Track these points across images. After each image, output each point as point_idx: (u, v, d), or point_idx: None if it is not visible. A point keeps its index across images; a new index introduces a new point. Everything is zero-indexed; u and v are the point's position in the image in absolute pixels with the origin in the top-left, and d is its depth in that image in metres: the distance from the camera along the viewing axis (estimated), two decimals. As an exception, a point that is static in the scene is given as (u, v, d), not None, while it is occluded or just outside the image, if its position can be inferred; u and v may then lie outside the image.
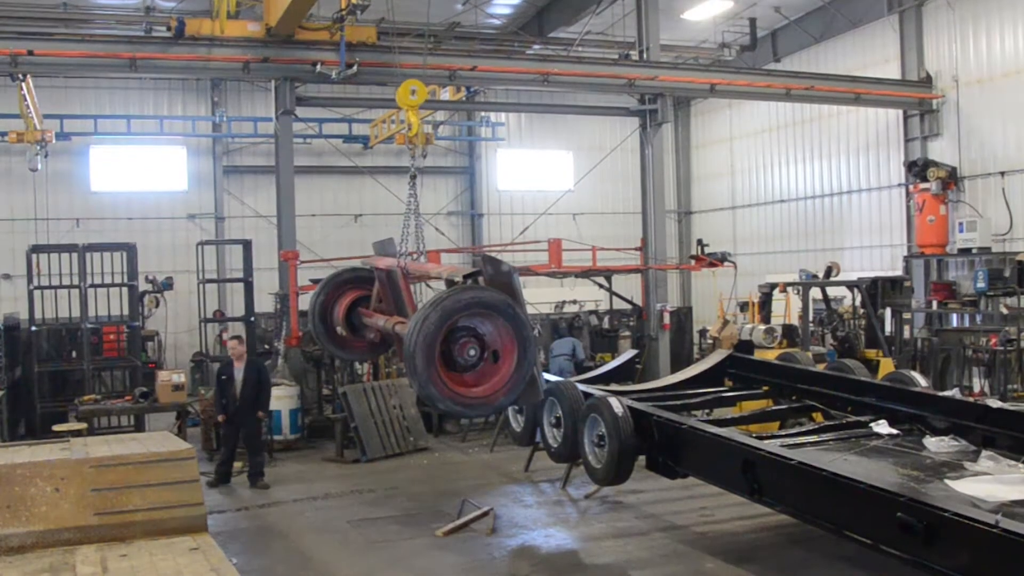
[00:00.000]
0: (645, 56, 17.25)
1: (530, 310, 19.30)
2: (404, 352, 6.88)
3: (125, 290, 16.09)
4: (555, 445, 10.41)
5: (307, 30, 14.45)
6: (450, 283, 7.37)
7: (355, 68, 14.39)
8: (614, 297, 18.25)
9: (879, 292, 15.25)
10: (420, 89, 9.37)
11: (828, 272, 16.90)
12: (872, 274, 16.88)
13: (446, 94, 18.98)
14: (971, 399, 11.16)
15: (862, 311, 15.51)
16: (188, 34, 13.98)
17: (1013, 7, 17.36)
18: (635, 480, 9.72)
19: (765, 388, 11.55)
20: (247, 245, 16.97)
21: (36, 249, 16.01)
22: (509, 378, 6.96)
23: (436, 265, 8.59)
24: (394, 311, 8.55)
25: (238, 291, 18.65)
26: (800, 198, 22.97)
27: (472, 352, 6.91)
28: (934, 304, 16.76)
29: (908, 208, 19.45)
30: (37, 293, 15.39)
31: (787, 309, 18.01)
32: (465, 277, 7.26)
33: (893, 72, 19.53)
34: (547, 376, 11.98)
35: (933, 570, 5.92)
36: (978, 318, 16.27)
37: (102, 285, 15.62)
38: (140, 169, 22.43)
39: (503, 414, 12.41)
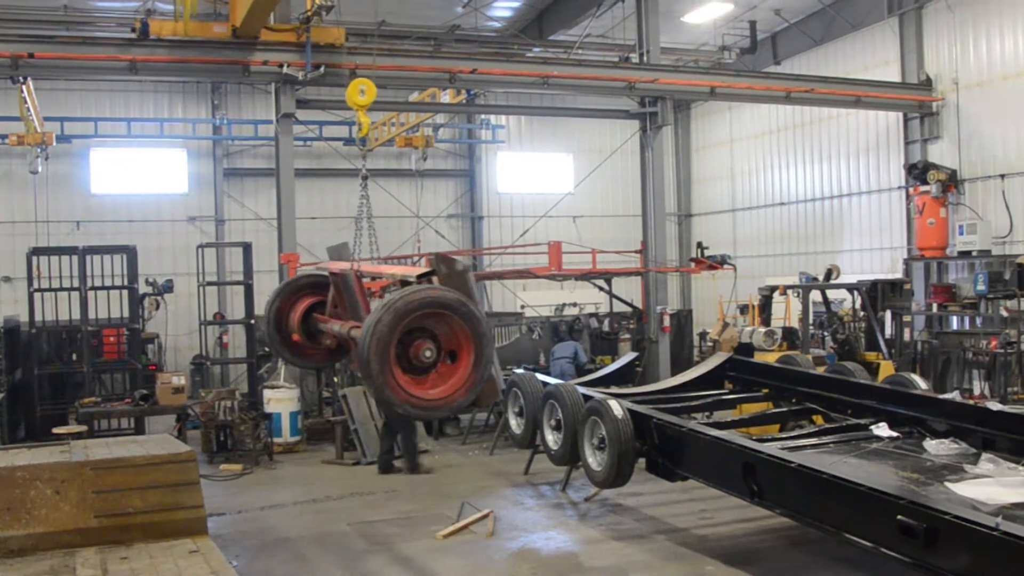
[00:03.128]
0: (645, 59, 17.26)
1: (530, 313, 19.51)
2: (359, 357, 6.75)
3: (125, 292, 16.08)
4: (555, 448, 10.42)
5: (273, 31, 14.37)
6: (404, 284, 7.25)
7: (322, 69, 14.33)
8: (614, 300, 18.26)
9: (879, 295, 15.25)
10: (369, 88, 9.31)
11: (828, 275, 16.91)
12: (872, 277, 16.87)
13: (446, 97, 18.97)
14: (971, 402, 11.16)
15: (862, 314, 15.51)
16: (152, 35, 13.85)
17: (1013, 10, 17.36)
18: (635, 483, 9.72)
19: (765, 391, 11.56)
20: (247, 248, 16.95)
21: (36, 252, 16.00)
22: (467, 378, 6.82)
23: (390, 267, 8.44)
24: (350, 316, 8.38)
25: (238, 294, 18.64)
26: (800, 201, 22.97)
27: (428, 353, 6.78)
28: (934, 307, 16.77)
29: (908, 211, 19.44)
30: (37, 295, 15.39)
31: (787, 312, 18.01)
32: (419, 277, 7.14)
33: (893, 75, 19.54)
34: (548, 379, 12.00)
35: (933, 573, 5.92)
36: (978, 321, 16.28)
37: (102, 288, 15.62)
38: (140, 172, 22.40)
39: (503, 416, 12.41)
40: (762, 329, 15.01)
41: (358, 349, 6.76)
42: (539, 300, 22.01)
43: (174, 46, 14.09)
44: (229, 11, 14.12)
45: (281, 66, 14.42)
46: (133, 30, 14.16)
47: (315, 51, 14.36)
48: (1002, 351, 14.21)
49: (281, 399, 14.28)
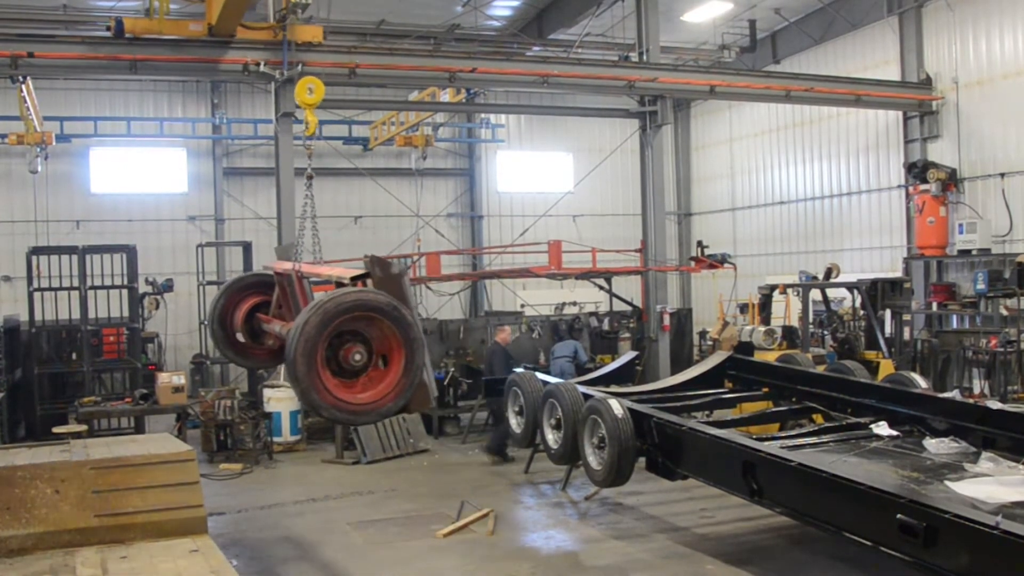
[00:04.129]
0: (645, 58, 17.25)
1: (530, 312, 19.51)
2: (285, 358, 6.63)
3: (125, 292, 16.10)
4: (555, 447, 10.42)
5: (250, 29, 14.29)
6: (339, 285, 7.15)
7: (299, 68, 14.26)
8: (614, 299, 18.26)
9: (879, 294, 15.24)
10: (318, 87, 9.23)
11: (828, 274, 16.91)
12: (872, 276, 16.87)
13: (446, 96, 18.97)
14: (971, 401, 11.16)
15: (862, 313, 15.50)
16: (127, 33, 13.71)
17: (1013, 9, 17.35)
18: (635, 482, 9.72)
19: (765, 390, 11.56)
20: (247, 247, 16.97)
21: (36, 251, 16.03)
22: (397, 383, 6.71)
23: (328, 268, 8.34)
24: (293, 317, 8.24)
25: (238, 293, 18.62)
26: (800, 200, 22.97)
27: (358, 357, 6.66)
28: (934, 306, 16.77)
29: (908, 210, 19.44)
30: (37, 295, 15.41)
31: (787, 311, 18.01)
32: (352, 279, 7.03)
33: (893, 74, 19.54)
34: (548, 378, 12.00)
35: (933, 571, 5.92)
36: (978, 320, 16.28)
37: (102, 287, 15.63)
38: (140, 171, 22.40)
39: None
40: (762, 328, 15.01)
41: (285, 350, 6.63)
42: (539, 299, 22.01)
43: (147, 44, 13.92)
44: (206, 9, 14.00)
45: (258, 64, 14.28)
46: (108, 28, 14.02)
47: (294, 50, 14.23)
48: (1002, 350, 14.21)
49: (281, 398, 14.27)
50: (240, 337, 8.99)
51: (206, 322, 9.63)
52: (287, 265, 8.31)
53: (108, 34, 13.84)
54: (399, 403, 6.82)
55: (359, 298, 6.59)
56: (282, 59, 14.17)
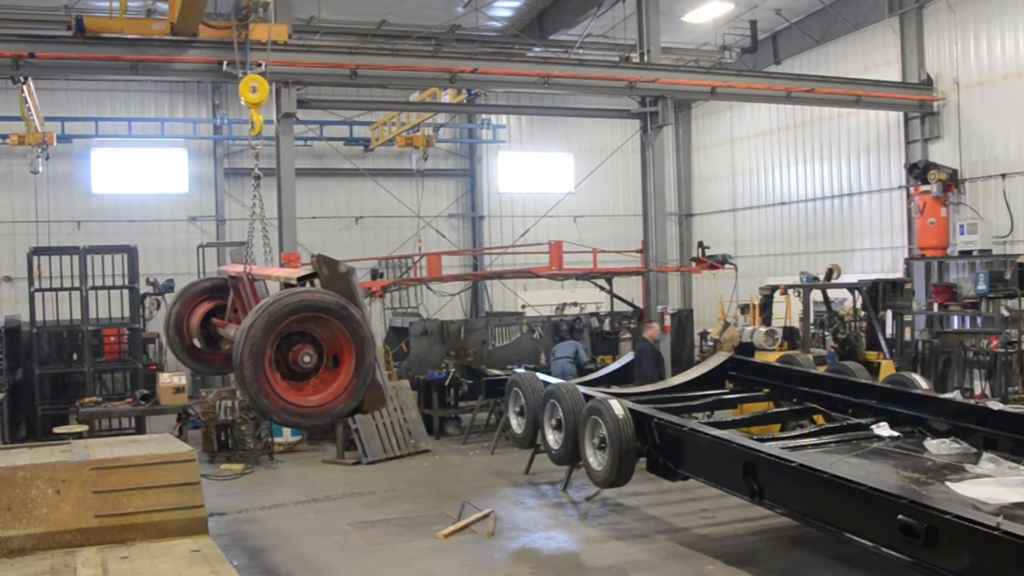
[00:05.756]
0: (646, 59, 17.25)
1: (531, 312, 19.51)
2: (232, 362, 6.49)
3: (126, 292, 16.10)
4: (556, 447, 10.41)
5: (212, 28, 14.19)
6: (287, 286, 7.07)
7: (263, 67, 14.15)
8: (615, 299, 18.26)
9: (880, 294, 15.25)
10: (261, 85, 9.11)
11: (829, 274, 16.91)
12: (873, 276, 16.88)
13: (447, 96, 18.97)
14: (972, 401, 11.15)
15: (863, 313, 15.50)
16: (89, 31, 13.55)
17: (1014, 9, 17.35)
18: (636, 482, 9.72)
19: (766, 390, 11.55)
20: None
21: (37, 251, 16.02)
22: (347, 384, 6.58)
23: (277, 269, 8.23)
24: None
25: (239, 293, 18.63)
26: (801, 200, 22.97)
27: (307, 359, 6.54)
28: (935, 306, 16.75)
29: (909, 210, 19.44)
30: (38, 295, 15.41)
31: (788, 311, 18.02)
32: (299, 280, 6.94)
33: (894, 74, 19.53)
34: (549, 378, 12.00)
35: (934, 572, 5.92)
36: (979, 320, 16.26)
37: (103, 287, 15.64)
38: (141, 171, 22.43)
39: (504, 416, 12.41)
40: (763, 329, 15.02)
41: (232, 354, 6.51)
42: (540, 300, 22.01)
43: (107, 43, 13.75)
44: (168, 8, 13.82)
45: (220, 64, 14.11)
46: (68, 28, 13.89)
47: (259, 49, 13.95)
48: (1003, 351, 14.19)
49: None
50: (197, 343, 8.81)
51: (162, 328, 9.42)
52: (239, 268, 8.20)
53: (108, 36, 13.77)
54: (351, 404, 6.70)
55: (305, 298, 6.46)
56: (245, 58, 13.86)
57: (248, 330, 6.28)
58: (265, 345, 6.32)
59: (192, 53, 14.05)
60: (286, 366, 6.57)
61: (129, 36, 13.81)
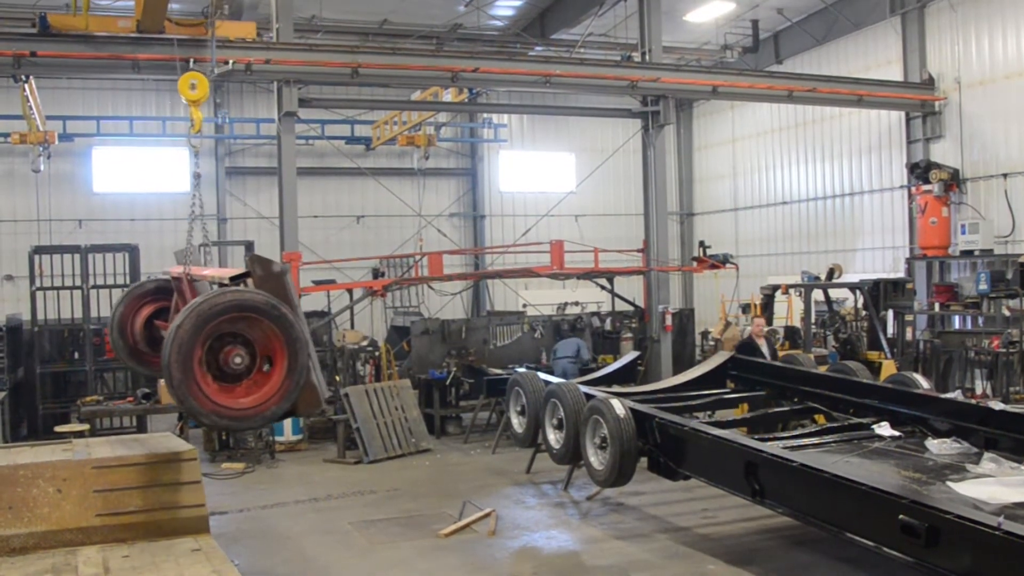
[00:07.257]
0: (647, 58, 17.24)
1: (532, 312, 19.50)
2: (161, 363, 6.33)
3: (127, 291, 16.09)
4: (557, 447, 10.42)
5: (179, 25, 14.05)
6: (221, 287, 6.98)
7: (230, 64, 14.09)
8: (616, 299, 18.26)
9: (881, 294, 15.24)
10: (201, 82, 9.01)
11: (830, 274, 16.90)
12: (874, 276, 16.86)
13: (448, 96, 18.96)
14: (973, 401, 11.15)
15: (864, 313, 15.50)
16: (53, 28, 13.47)
17: (1016, 9, 17.33)
18: (637, 482, 9.72)
19: (767, 390, 11.55)
20: (249, 246, 16.98)
21: (39, 250, 16.04)
22: (280, 386, 6.42)
23: (212, 269, 8.14)
24: None
25: (240, 292, 18.63)
26: (802, 200, 22.96)
27: (239, 360, 6.37)
28: (936, 306, 16.73)
29: (910, 210, 19.43)
30: (40, 294, 15.43)
31: (789, 311, 18.01)
32: (231, 279, 6.79)
33: (895, 74, 19.52)
34: (550, 378, 12.00)
35: (935, 572, 5.92)
36: (980, 320, 16.25)
37: (104, 286, 15.64)
38: (142, 170, 22.43)
39: (505, 415, 12.41)
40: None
41: (160, 355, 6.39)
42: (541, 299, 22.02)
43: (71, 41, 13.63)
44: (134, 6, 13.70)
45: (187, 61, 13.80)
46: (33, 25, 13.78)
47: (228, 46, 13.91)
48: (1004, 350, 14.17)
49: (283, 398, 14.25)
50: (141, 346, 8.66)
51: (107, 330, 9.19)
52: (179, 269, 8.12)
53: (106, 34, 13.73)
54: (283, 406, 6.55)
55: (235, 298, 6.32)
56: (210, 55, 13.66)
57: (176, 331, 6.13)
58: (194, 346, 6.16)
59: (158, 51, 13.86)
60: (217, 368, 6.41)
61: (93, 34, 13.65)
